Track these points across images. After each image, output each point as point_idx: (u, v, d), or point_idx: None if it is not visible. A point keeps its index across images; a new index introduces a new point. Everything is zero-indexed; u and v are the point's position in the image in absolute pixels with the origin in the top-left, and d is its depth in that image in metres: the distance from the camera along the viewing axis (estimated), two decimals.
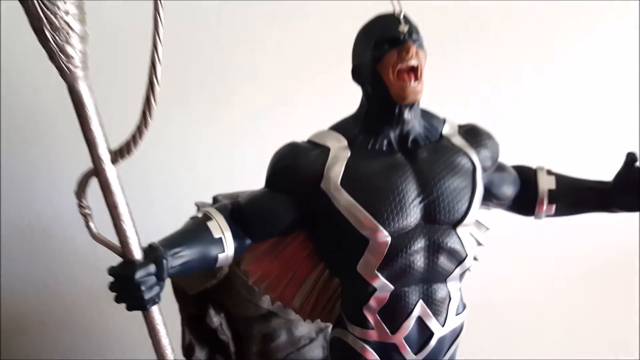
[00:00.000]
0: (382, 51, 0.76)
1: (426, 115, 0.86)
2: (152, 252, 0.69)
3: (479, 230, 0.94)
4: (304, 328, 1.19)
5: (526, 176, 0.93)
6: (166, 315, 0.74)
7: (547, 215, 0.93)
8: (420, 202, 0.78)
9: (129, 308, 0.69)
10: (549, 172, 0.93)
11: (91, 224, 0.67)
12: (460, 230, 0.81)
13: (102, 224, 0.68)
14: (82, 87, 0.58)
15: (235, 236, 0.79)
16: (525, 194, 0.92)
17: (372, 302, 0.81)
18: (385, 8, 0.78)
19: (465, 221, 0.81)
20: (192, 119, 1.51)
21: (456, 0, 1.48)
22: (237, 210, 0.82)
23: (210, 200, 1.17)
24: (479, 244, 0.95)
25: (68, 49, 0.53)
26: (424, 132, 0.83)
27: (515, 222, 0.97)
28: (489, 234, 0.96)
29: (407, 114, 0.80)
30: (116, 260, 0.69)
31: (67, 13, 0.51)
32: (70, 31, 0.52)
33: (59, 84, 0.59)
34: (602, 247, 1.69)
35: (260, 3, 1.44)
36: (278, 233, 0.85)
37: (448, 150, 0.83)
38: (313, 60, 1.48)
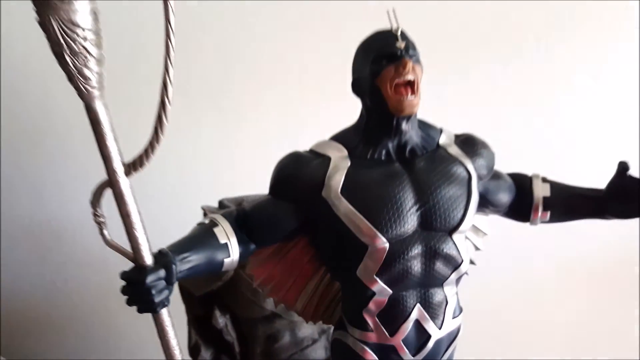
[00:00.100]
0: (381, 66, 0.78)
1: (423, 125, 0.88)
2: (162, 258, 0.71)
3: (477, 236, 0.96)
4: (307, 329, 1.20)
5: (521, 183, 0.94)
6: (173, 316, 0.75)
7: (542, 222, 0.95)
8: (417, 210, 0.80)
9: (140, 311, 0.70)
10: (544, 180, 0.94)
11: (105, 231, 0.69)
12: (456, 236, 0.83)
13: (114, 231, 0.70)
14: (99, 106, 0.60)
15: (240, 241, 0.81)
16: (520, 200, 0.94)
17: (371, 305, 0.83)
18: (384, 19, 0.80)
19: (461, 228, 0.82)
20: (200, 128, 1.52)
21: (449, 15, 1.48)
22: (242, 217, 0.83)
23: (216, 204, 1.20)
24: (477, 248, 0.96)
25: (86, 71, 0.55)
26: (421, 142, 0.85)
27: (515, 223, 0.97)
28: (489, 234, 0.97)
29: (404, 126, 0.81)
30: (124, 261, 0.70)
31: (85, 39, 0.54)
32: (88, 55, 0.54)
33: (70, 88, 0.61)
34: (602, 248, 1.68)
35: (277, 25, 1.46)
36: (281, 239, 0.86)
37: (444, 160, 0.84)
38: (319, 74, 1.49)
